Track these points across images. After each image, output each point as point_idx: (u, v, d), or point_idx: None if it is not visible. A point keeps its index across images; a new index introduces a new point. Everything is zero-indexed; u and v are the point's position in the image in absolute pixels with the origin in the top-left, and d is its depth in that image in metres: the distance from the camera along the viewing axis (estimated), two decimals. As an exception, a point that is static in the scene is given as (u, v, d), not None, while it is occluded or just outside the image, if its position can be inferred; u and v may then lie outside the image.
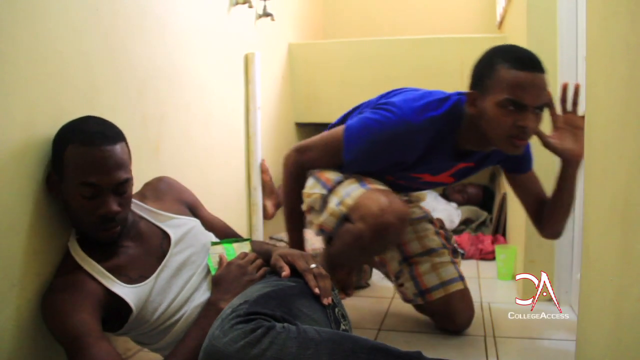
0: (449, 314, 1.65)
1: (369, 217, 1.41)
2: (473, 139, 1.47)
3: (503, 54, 1.37)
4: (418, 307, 1.74)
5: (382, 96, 1.60)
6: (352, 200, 1.46)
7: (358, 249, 1.48)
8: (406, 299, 1.72)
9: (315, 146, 1.61)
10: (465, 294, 1.67)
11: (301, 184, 1.62)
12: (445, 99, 1.48)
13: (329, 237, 1.64)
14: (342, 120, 1.69)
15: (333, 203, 1.50)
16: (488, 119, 1.37)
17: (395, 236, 1.47)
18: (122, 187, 1.16)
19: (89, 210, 1.14)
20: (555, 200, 1.51)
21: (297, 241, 1.68)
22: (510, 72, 1.32)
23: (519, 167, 1.59)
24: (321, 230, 1.56)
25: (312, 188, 1.57)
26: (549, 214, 1.54)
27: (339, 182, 1.54)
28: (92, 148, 1.12)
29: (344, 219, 1.48)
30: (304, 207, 1.62)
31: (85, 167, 1.12)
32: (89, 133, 1.13)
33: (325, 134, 1.61)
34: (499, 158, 1.58)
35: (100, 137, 1.13)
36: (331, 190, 1.53)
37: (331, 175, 1.57)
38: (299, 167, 1.62)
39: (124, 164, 1.16)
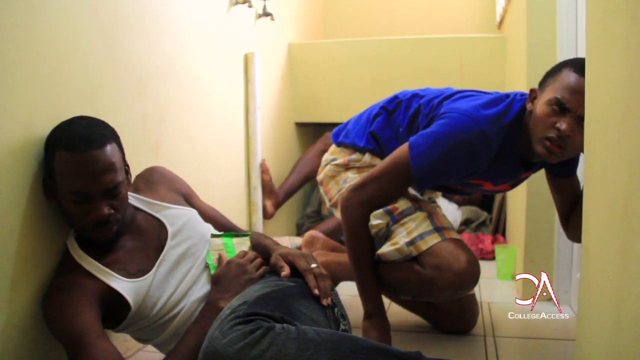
0: (462, 314, 1.66)
1: (447, 273, 1.40)
2: (528, 143, 1.40)
3: (576, 60, 1.34)
4: (422, 310, 1.73)
5: (432, 98, 1.51)
6: (427, 245, 1.43)
7: (418, 290, 1.48)
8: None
9: (376, 177, 1.46)
10: (474, 297, 1.69)
11: (368, 230, 1.48)
12: (510, 103, 1.42)
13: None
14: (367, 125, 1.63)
15: (402, 240, 1.45)
16: (534, 115, 1.34)
17: (464, 294, 1.48)
18: (113, 191, 1.14)
19: (81, 215, 1.13)
20: None
21: (375, 305, 1.49)
22: (570, 74, 1.29)
23: (563, 171, 1.53)
24: (378, 256, 1.50)
25: (375, 219, 1.47)
26: (579, 218, 1.49)
27: (407, 214, 1.47)
28: (77, 154, 1.10)
29: (411, 257, 1.46)
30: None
31: (72, 175, 1.10)
32: (74, 138, 1.11)
33: (383, 162, 1.47)
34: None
35: (85, 142, 1.10)
36: (397, 220, 1.47)
37: (399, 202, 1.49)
38: (362, 206, 1.47)
39: (112, 168, 1.13)
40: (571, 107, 1.28)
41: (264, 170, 2.46)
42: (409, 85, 1.68)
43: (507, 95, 1.46)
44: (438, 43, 2.76)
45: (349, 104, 2.78)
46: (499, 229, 2.75)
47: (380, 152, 1.60)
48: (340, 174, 1.66)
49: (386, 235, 1.49)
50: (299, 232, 2.90)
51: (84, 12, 1.32)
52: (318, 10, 3.55)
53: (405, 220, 1.47)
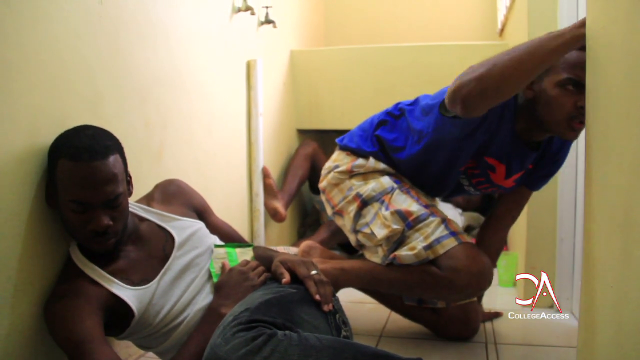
0: (466, 319, 1.67)
1: (466, 274, 1.47)
2: (529, 125, 1.45)
3: None
4: (424, 317, 1.73)
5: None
6: (444, 249, 1.49)
7: (433, 291, 1.53)
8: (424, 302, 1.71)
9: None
10: (476, 302, 1.71)
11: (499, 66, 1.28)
12: None
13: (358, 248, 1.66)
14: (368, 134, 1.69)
15: (419, 244, 1.50)
16: (547, 100, 1.36)
17: (478, 294, 1.55)
18: (113, 202, 1.14)
19: (79, 224, 1.13)
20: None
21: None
22: (571, 53, 1.29)
23: (540, 181, 1.63)
24: (392, 258, 1.53)
25: (392, 223, 1.53)
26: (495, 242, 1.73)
27: (422, 220, 1.52)
28: (79, 164, 1.10)
29: (428, 261, 1.51)
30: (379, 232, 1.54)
31: (73, 184, 1.10)
32: (78, 148, 1.10)
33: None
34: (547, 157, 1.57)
35: (88, 152, 1.10)
36: (412, 226, 1.52)
37: (413, 207, 1.54)
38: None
39: (113, 179, 1.13)
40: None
41: (266, 174, 2.46)
42: (411, 92, 1.69)
43: None
44: (439, 50, 2.77)
45: (350, 110, 2.79)
46: (501, 236, 2.74)
47: (384, 157, 1.64)
48: (345, 182, 1.67)
49: (400, 240, 1.53)
50: (300, 239, 2.90)
51: (88, 19, 1.33)
52: (320, 18, 3.57)
53: (420, 226, 1.52)
